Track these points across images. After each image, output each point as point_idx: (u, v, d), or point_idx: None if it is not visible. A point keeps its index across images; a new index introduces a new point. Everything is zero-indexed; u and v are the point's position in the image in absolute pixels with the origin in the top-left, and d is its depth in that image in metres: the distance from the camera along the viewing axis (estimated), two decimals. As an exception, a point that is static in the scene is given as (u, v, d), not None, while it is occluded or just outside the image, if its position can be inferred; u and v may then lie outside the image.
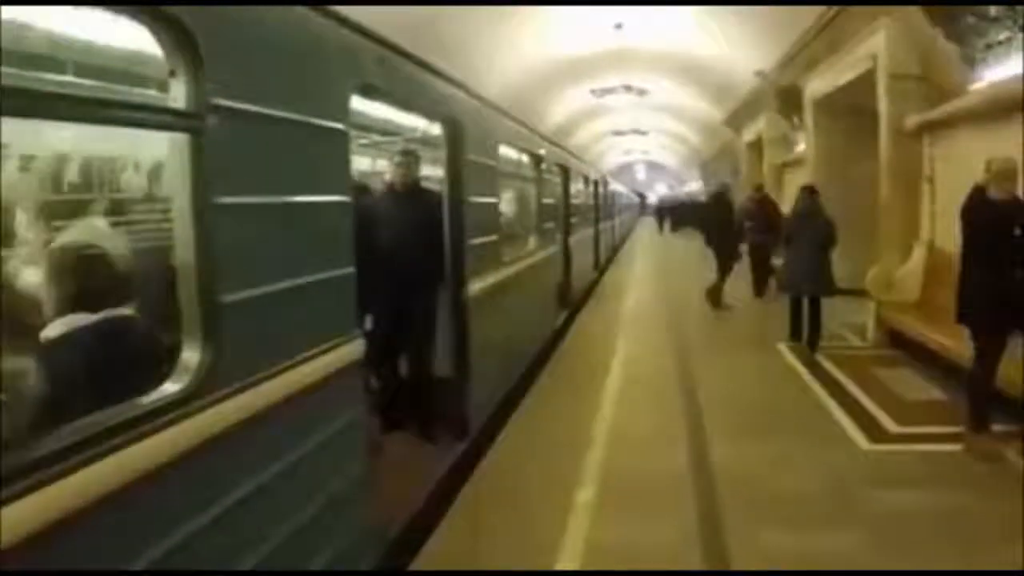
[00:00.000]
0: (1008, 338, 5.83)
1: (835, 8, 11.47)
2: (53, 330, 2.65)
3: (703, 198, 32.47)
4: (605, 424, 7.04)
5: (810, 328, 9.70)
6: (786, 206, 17.60)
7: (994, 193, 5.83)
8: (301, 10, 3.53)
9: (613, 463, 6.08)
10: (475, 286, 6.29)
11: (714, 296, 13.66)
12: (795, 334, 9.98)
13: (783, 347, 9.99)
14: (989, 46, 8.29)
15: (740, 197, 17.63)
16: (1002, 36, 7.95)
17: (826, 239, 9.54)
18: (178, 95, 2.61)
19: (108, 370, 2.60)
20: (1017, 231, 5.68)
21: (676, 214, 42.15)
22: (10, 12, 2.37)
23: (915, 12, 9.31)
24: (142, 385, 2.52)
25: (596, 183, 21.02)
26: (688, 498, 5.34)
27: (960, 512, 4.98)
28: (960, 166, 6.04)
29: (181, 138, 2.64)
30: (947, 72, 9.46)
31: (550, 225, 11.94)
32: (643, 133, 37.88)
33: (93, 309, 2.68)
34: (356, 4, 3.79)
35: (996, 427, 6.01)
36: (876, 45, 10.80)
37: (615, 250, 28.51)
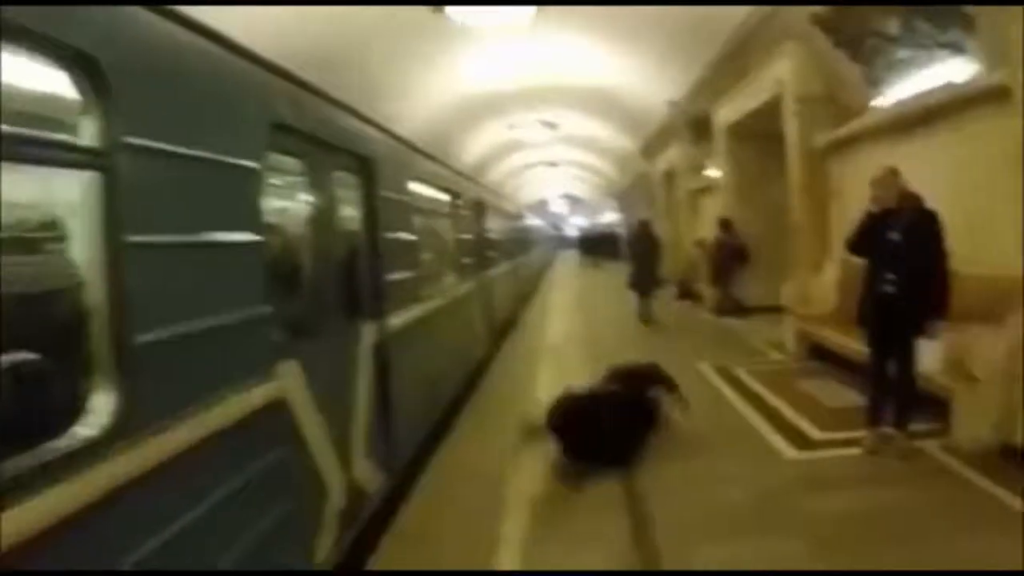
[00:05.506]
0: (902, 341, 6.03)
1: (740, 36, 11.82)
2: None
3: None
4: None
5: (647, 310, 15.18)
6: (702, 231, 18.14)
7: (871, 205, 6.08)
8: (216, 49, 3.53)
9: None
10: (395, 321, 6.21)
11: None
12: (641, 317, 15.18)
13: (705, 368, 10.08)
14: (891, 65, 8.62)
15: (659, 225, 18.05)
16: (903, 55, 8.28)
17: (653, 255, 15.40)
18: (88, 133, 2.56)
19: (6, 416, 2.47)
20: (894, 236, 5.88)
21: (602, 248, 42.89)
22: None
23: (819, 35, 9.65)
24: (49, 430, 2.39)
25: (513, 217, 21.17)
26: (620, 514, 5.34)
27: (887, 508, 5.11)
28: (867, 181, 6.22)
29: (92, 176, 2.56)
30: (852, 92, 9.84)
31: (468, 260, 12.01)
32: (557, 165, 38.30)
33: None
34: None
35: (916, 426, 6.19)
36: (782, 69, 11.18)
37: (535, 283, 28.67)
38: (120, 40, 2.70)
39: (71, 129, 2.61)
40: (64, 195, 2.89)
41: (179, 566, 2.78)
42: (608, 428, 6.23)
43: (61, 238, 3.28)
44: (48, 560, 2.15)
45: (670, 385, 7.43)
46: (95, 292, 2.59)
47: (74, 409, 2.53)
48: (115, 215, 2.59)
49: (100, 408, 2.52)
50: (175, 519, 2.76)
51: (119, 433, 2.50)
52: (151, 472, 2.60)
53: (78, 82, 2.53)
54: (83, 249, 2.65)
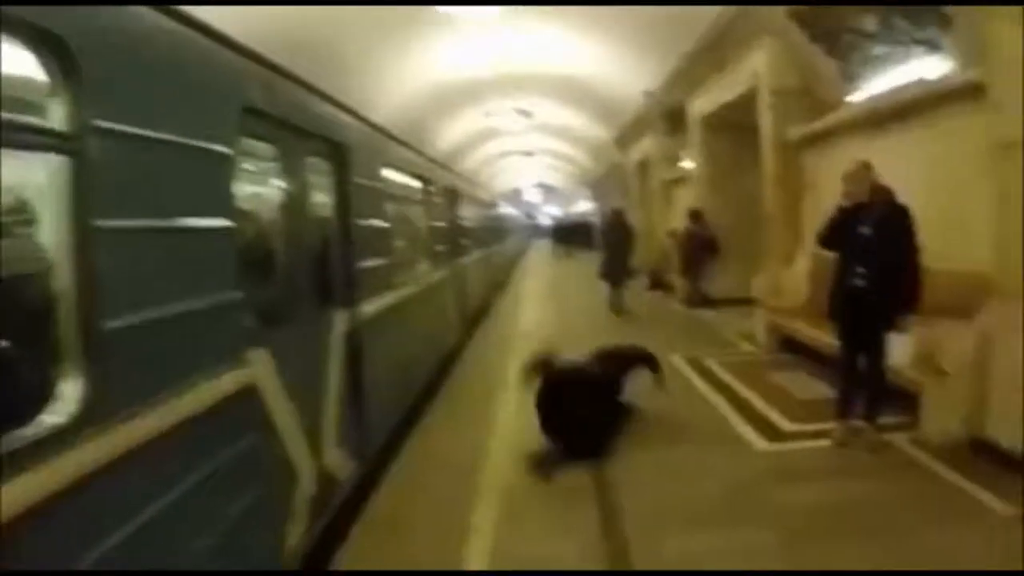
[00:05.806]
0: (873, 335, 6.08)
1: (717, 28, 11.82)
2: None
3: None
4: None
5: (619, 300, 15.19)
6: (675, 222, 18.18)
7: (843, 200, 6.14)
8: (188, 32, 3.48)
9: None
10: (367, 308, 6.19)
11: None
12: (613, 307, 15.15)
13: (677, 359, 10.11)
14: (867, 61, 8.67)
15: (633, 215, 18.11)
16: (879, 51, 8.33)
17: (626, 244, 15.34)
18: (57, 116, 2.51)
19: None
20: (865, 230, 5.93)
21: (576, 237, 42.86)
22: None
23: (795, 30, 9.67)
24: (15, 418, 2.34)
25: (487, 205, 21.15)
26: (590, 504, 5.34)
27: (856, 501, 5.15)
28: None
29: (60, 160, 2.51)
30: (827, 86, 9.88)
31: (441, 247, 12.01)
32: (532, 155, 38.22)
33: None
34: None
35: (885, 419, 6.26)
36: (758, 62, 11.20)
37: (508, 271, 28.70)
38: (90, 22, 2.64)
39: (39, 111, 2.55)
40: (32, 178, 2.82)
41: (149, 554, 2.74)
42: (586, 415, 6.29)
43: (28, 222, 3.22)
44: (16, 551, 2.11)
45: (653, 365, 7.56)
46: (63, 277, 2.54)
47: (41, 396, 2.48)
48: (84, 199, 2.55)
49: (68, 395, 2.47)
50: (144, 507, 2.72)
51: (87, 420, 2.45)
52: (120, 460, 2.56)
53: (46, 64, 2.47)
54: (51, 234, 2.59)
